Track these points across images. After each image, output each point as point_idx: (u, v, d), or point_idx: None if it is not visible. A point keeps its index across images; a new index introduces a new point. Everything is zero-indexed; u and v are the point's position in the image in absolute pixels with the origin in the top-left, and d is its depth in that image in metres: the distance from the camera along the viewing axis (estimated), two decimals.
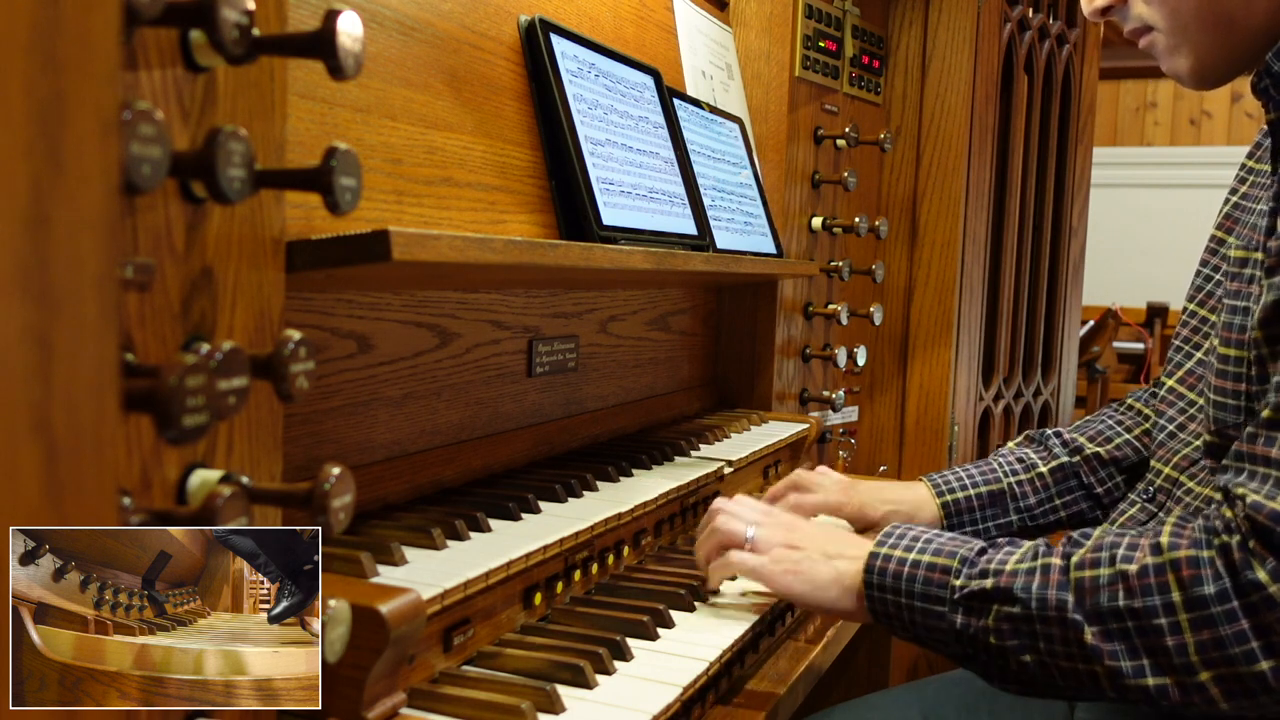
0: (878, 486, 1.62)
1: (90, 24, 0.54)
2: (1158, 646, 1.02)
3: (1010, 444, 1.66)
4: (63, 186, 0.52)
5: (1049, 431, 1.61)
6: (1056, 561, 1.09)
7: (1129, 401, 1.63)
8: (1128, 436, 1.56)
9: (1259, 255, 1.13)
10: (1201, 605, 1.00)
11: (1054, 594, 1.07)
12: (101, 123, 0.55)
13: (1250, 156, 1.35)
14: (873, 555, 1.20)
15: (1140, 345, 5.25)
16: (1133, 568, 1.04)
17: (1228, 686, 1.00)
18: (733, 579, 1.37)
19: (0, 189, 0.49)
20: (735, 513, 1.32)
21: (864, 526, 1.57)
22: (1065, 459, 1.57)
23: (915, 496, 1.58)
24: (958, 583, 1.13)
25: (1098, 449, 1.56)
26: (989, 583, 1.11)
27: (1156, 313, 5.38)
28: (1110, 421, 1.60)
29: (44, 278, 0.52)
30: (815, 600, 1.24)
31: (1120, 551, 1.06)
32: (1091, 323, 4.84)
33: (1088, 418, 1.64)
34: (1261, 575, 0.97)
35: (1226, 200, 1.37)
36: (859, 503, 1.57)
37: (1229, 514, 1.02)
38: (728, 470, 1.67)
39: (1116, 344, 5.10)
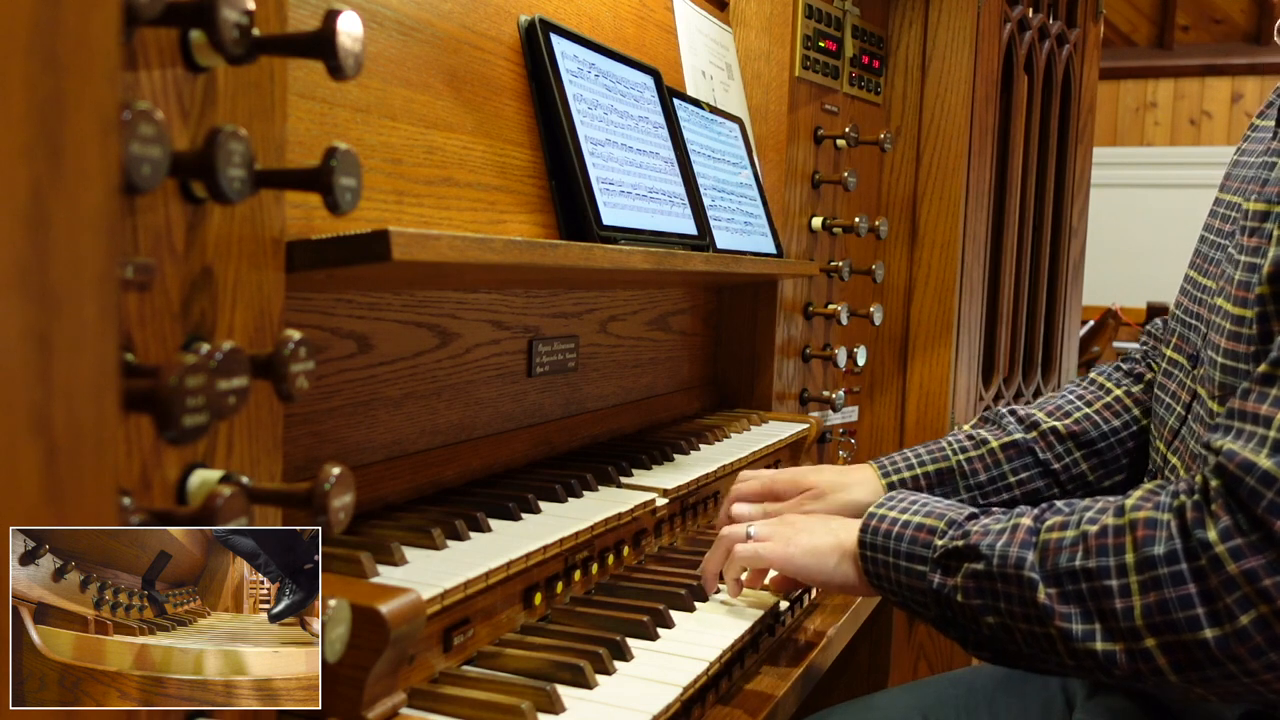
0: (815, 468, 1.56)
1: (90, 24, 0.54)
2: (1107, 609, 1.00)
3: (966, 426, 1.61)
4: (63, 186, 0.52)
5: (1004, 410, 1.56)
6: (1026, 522, 1.08)
7: (1092, 375, 1.59)
8: (1087, 411, 1.50)
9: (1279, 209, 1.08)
10: (1150, 566, 0.97)
11: (1015, 551, 1.05)
12: (101, 123, 0.55)
13: (1259, 116, 1.31)
14: (870, 515, 1.20)
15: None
16: (1094, 529, 1.02)
17: (1174, 656, 0.97)
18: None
19: (0, 189, 0.49)
20: (737, 516, 1.36)
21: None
22: (1019, 435, 1.51)
23: (856, 477, 1.51)
24: (940, 542, 1.12)
25: (1055, 424, 1.50)
26: (964, 542, 1.10)
27: (1156, 313, 5.38)
28: (1071, 396, 1.55)
29: (44, 278, 0.52)
30: (818, 569, 1.23)
31: (1089, 514, 1.04)
32: (1091, 323, 4.84)
33: (1049, 394, 1.60)
34: (1211, 535, 0.94)
35: (1230, 161, 1.33)
36: (793, 472, 1.51)
37: (1198, 476, 0.99)
38: (729, 469, 1.67)
39: (1116, 344, 5.11)
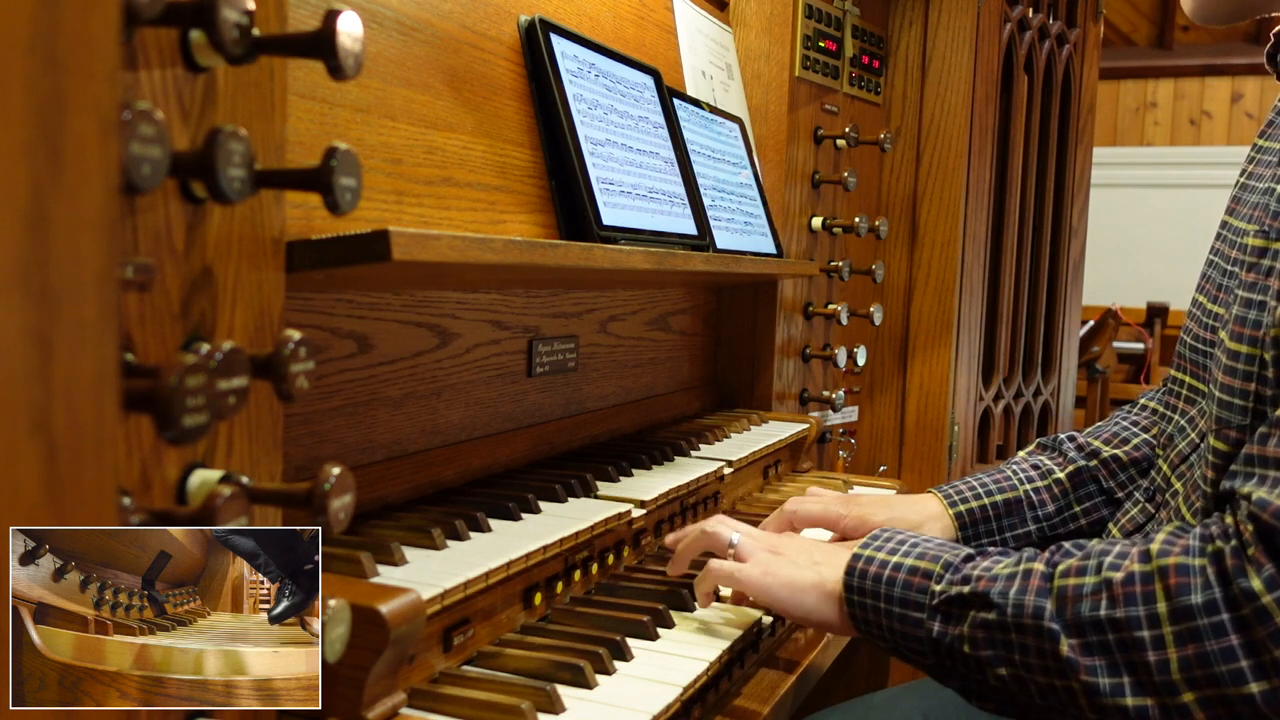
0: (882, 498, 1.52)
1: (90, 24, 0.53)
2: (1138, 662, 0.94)
3: (1021, 453, 1.57)
4: (63, 186, 0.52)
5: (1062, 436, 1.52)
6: (1039, 567, 1.02)
7: (1142, 401, 1.55)
8: (1145, 437, 1.47)
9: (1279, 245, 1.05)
10: (1187, 617, 0.92)
11: (1032, 600, 1.00)
12: (101, 123, 0.54)
13: (1261, 135, 1.28)
14: (855, 557, 1.13)
15: (1140, 345, 5.26)
16: (1119, 575, 0.97)
17: (1213, 710, 0.92)
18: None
19: (0, 189, 0.49)
20: (726, 521, 1.28)
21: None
22: (1082, 463, 1.47)
23: (924, 510, 1.47)
24: (938, 588, 1.06)
25: (1115, 451, 1.46)
26: (968, 588, 1.04)
27: (1156, 313, 5.39)
28: (1125, 423, 1.51)
29: (44, 278, 0.52)
30: (795, 606, 1.16)
31: (1109, 559, 0.99)
32: (1091, 323, 4.84)
33: (1101, 422, 1.55)
34: (1256, 584, 0.89)
35: (1235, 182, 1.30)
36: (859, 514, 1.45)
37: (1229, 520, 0.95)
38: (728, 470, 1.67)
39: (1116, 344, 5.11)
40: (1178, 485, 1.24)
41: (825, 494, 1.53)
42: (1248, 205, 1.21)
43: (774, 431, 1.95)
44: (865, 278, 2.38)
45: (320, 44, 0.72)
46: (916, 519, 1.46)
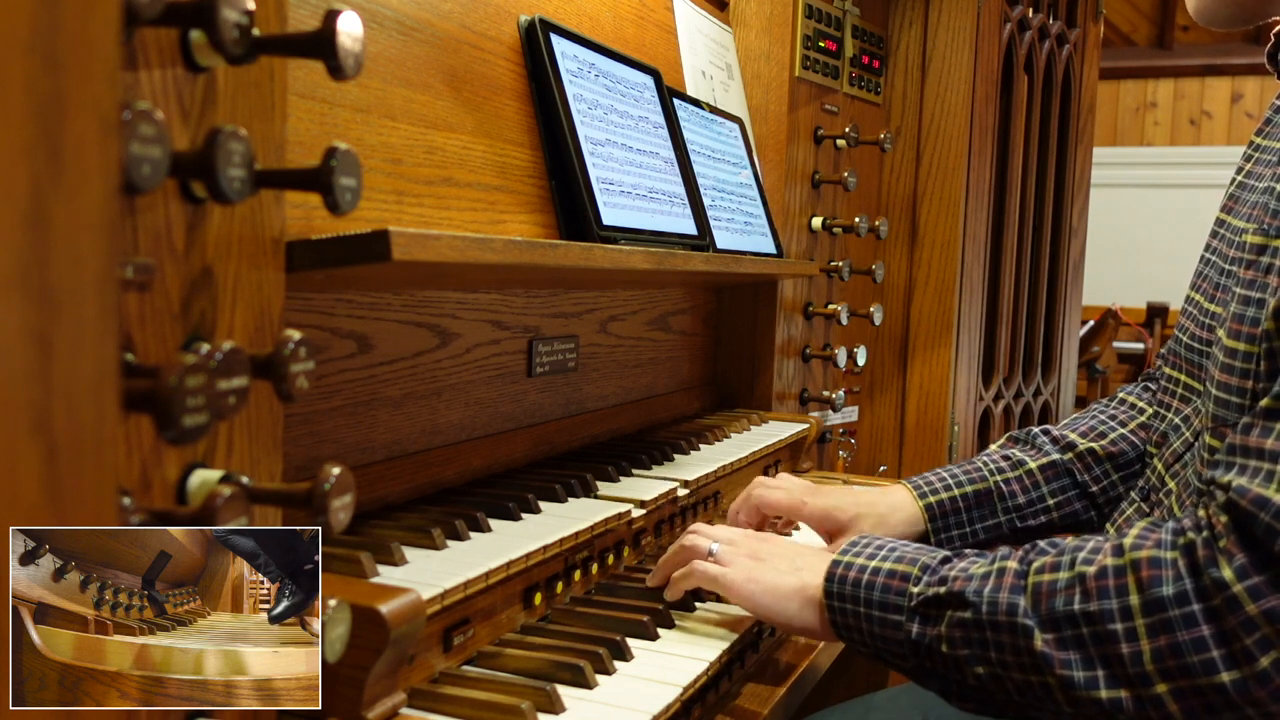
0: (849, 489, 1.50)
1: (90, 24, 0.53)
2: (1112, 655, 0.95)
3: (994, 445, 1.56)
4: (63, 186, 0.52)
5: (1036, 430, 1.52)
6: (1013, 565, 1.03)
7: (1121, 395, 1.55)
8: (1123, 431, 1.46)
9: (1279, 242, 1.06)
10: (1159, 608, 0.93)
11: (1006, 597, 1.00)
12: (101, 123, 0.54)
13: (1259, 134, 1.27)
14: (834, 563, 1.13)
15: (1140, 345, 5.26)
16: (1092, 569, 0.97)
17: (1186, 701, 0.93)
18: (704, 600, 1.32)
19: (0, 189, 0.49)
20: (703, 531, 1.27)
21: (832, 529, 1.46)
22: (1056, 456, 1.47)
23: (891, 499, 1.46)
24: (916, 590, 1.07)
25: (1091, 445, 1.46)
26: (944, 589, 1.04)
27: (1156, 313, 5.39)
28: (1103, 416, 1.50)
29: (44, 278, 0.52)
30: (778, 612, 1.16)
31: (1082, 555, 0.99)
32: (1091, 323, 4.85)
33: (1077, 414, 1.55)
34: (1227, 574, 0.90)
35: (1232, 180, 1.29)
36: (825, 505, 1.45)
37: (1201, 513, 0.95)
38: (728, 471, 1.67)
39: (1116, 344, 5.11)
40: (1172, 484, 1.24)
41: (791, 480, 1.51)
42: (1246, 204, 1.21)
43: (774, 431, 1.95)
44: (865, 278, 2.38)
45: (320, 44, 0.72)
46: (883, 510, 1.45)
